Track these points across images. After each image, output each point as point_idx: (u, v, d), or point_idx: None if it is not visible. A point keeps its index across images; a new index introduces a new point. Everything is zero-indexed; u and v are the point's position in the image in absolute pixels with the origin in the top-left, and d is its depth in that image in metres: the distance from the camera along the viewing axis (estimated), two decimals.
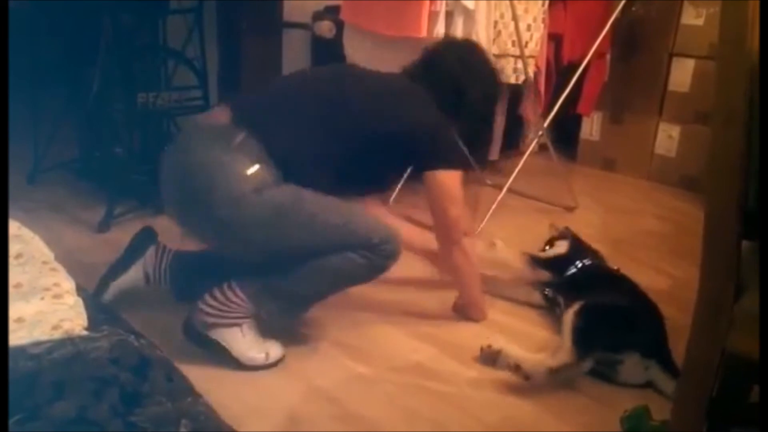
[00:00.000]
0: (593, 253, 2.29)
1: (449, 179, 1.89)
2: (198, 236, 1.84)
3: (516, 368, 1.78)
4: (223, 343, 1.80)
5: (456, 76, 1.99)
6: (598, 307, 1.91)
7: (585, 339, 1.80)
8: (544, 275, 2.22)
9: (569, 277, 2.17)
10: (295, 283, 1.79)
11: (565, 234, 2.38)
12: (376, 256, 1.78)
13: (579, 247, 2.30)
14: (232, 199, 1.68)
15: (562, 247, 2.30)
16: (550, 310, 2.17)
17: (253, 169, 1.69)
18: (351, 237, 1.75)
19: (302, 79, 2.01)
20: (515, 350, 1.89)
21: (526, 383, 1.77)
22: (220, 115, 1.80)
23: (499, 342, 1.90)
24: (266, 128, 1.75)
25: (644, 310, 1.96)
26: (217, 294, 1.78)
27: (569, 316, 1.87)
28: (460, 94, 1.99)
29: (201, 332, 1.79)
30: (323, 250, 1.75)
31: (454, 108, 1.98)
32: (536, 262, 2.27)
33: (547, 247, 2.35)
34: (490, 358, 1.89)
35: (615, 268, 2.24)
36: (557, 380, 1.78)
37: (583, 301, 1.91)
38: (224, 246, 1.82)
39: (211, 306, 1.78)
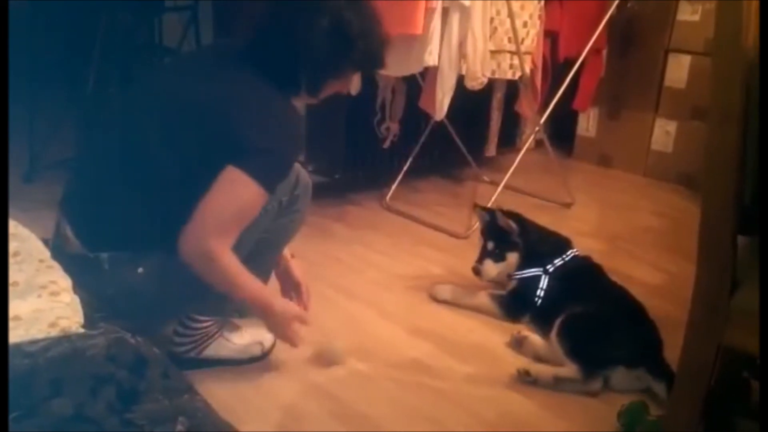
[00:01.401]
0: (549, 245, 2.15)
1: (243, 186, 1.52)
2: None
3: (526, 374, 1.82)
4: (215, 357, 1.79)
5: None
6: (577, 322, 1.87)
7: (586, 356, 1.80)
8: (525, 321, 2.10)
9: (540, 305, 2.08)
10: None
11: (507, 232, 2.14)
12: (287, 209, 1.71)
13: (532, 254, 2.13)
14: (152, 307, 1.63)
15: (511, 263, 2.15)
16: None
17: (141, 268, 1.59)
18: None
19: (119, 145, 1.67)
20: (539, 340, 1.94)
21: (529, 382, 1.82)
22: (67, 239, 1.61)
23: (524, 330, 1.99)
24: (119, 237, 1.59)
25: (622, 318, 1.90)
26: (181, 329, 1.76)
27: (554, 336, 1.87)
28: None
29: (189, 359, 1.77)
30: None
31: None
32: (509, 311, 2.12)
33: (491, 246, 2.15)
34: (518, 342, 1.96)
35: (578, 254, 2.14)
36: (561, 390, 1.79)
37: (563, 314, 1.90)
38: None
39: (182, 339, 1.76)
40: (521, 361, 1.89)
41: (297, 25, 1.58)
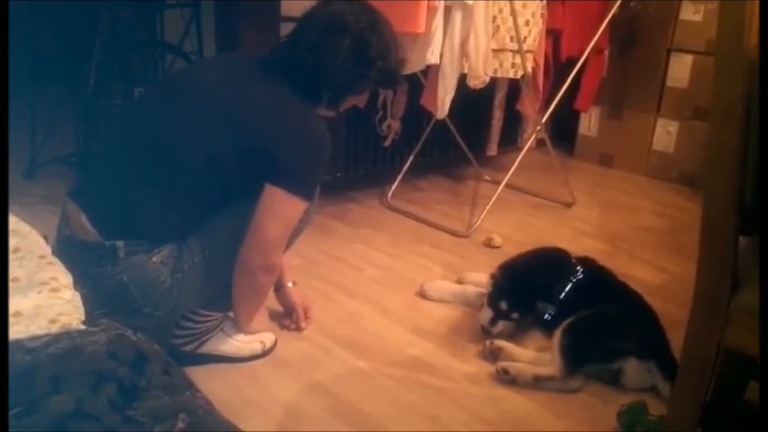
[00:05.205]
0: (557, 286, 1.99)
1: (287, 203, 1.64)
2: None
3: (504, 372, 1.82)
4: (216, 353, 1.81)
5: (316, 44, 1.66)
6: (583, 322, 1.85)
7: (573, 357, 1.81)
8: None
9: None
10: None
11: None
12: None
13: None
14: (162, 297, 1.64)
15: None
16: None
17: (156, 257, 1.61)
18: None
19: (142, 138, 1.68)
20: (516, 349, 1.91)
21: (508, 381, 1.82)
22: (82, 227, 1.61)
23: (498, 341, 1.93)
24: (136, 226, 1.62)
25: (633, 313, 1.91)
26: (184, 323, 1.77)
27: (557, 334, 1.85)
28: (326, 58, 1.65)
29: (189, 354, 1.78)
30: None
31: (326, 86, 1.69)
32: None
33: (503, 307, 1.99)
34: (492, 354, 1.91)
35: (586, 259, 2.08)
36: (542, 388, 1.79)
37: (572, 317, 1.87)
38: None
39: (183, 334, 1.77)
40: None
41: (321, 42, 1.65)
